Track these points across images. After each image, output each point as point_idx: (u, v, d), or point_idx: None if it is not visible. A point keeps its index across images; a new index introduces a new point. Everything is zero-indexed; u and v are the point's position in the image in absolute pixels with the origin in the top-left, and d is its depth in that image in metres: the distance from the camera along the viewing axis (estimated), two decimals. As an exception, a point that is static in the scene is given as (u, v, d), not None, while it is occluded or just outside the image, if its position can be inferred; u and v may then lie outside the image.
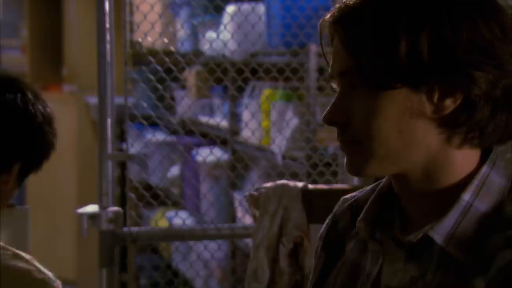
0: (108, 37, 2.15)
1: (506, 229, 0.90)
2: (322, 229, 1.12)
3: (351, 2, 0.92)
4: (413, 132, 0.91)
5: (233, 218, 3.32)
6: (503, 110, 0.92)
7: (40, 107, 1.23)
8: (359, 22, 0.91)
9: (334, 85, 0.96)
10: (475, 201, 0.93)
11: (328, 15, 0.94)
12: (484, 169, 0.94)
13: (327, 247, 1.09)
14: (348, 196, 1.10)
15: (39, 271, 1.18)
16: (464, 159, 0.94)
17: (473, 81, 0.89)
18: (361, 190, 1.08)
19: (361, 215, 1.02)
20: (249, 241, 2.84)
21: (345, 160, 0.96)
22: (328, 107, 0.95)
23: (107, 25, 2.15)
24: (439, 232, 0.93)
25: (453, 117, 0.91)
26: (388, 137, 0.91)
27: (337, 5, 0.94)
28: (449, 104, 0.90)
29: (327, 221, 1.11)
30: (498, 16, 0.92)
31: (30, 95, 1.22)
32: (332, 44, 0.95)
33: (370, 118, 0.91)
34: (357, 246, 1.04)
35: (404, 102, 0.90)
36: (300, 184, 1.90)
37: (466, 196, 0.93)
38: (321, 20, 0.96)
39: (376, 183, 1.04)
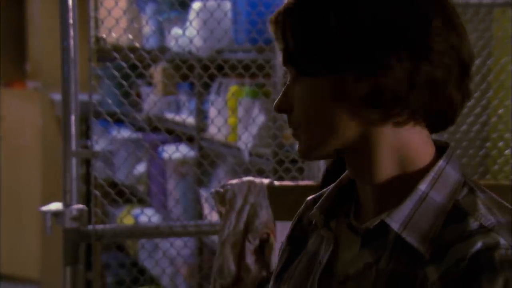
0: (72, 33, 2.13)
1: (461, 221, 0.93)
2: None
3: (286, 3, 1.00)
4: (338, 115, 0.96)
5: (200, 215, 3.31)
6: (422, 90, 0.94)
7: None
8: (286, 19, 0.99)
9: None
10: (431, 191, 0.96)
11: (274, 14, 1.02)
12: (440, 162, 0.97)
13: (292, 241, 1.12)
14: (317, 194, 1.13)
15: None
16: (396, 139, 0.96)
17: (382, 64, 0.93)
18: (329, 187, 1.10)
19: (317, 204, 1.05)
20: (215, 238, 2.83)
21: None
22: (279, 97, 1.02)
23: (71, 21, 2.13)
24: (396, 219, 0.95)
25: (369, 98, 0.94)
26: (316, 122, 0.98)
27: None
28: (362, 86, 0.94)
29: (295, 216, 1.14)
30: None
31: None
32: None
33: (303, 104, 0.98)
34: (318, 238, 1.07)
35: (328, 86, 0.96)
36: (266, 181, 1.90)
37: (422, 186, 0.96)
38: (269, 18, 1.03)
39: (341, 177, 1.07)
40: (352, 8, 0.93)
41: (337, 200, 1.05)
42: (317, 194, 1.11)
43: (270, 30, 1.01)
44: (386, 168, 0.97)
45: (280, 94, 1.01)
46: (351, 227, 1.01)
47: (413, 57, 0.93)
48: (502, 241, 0.89)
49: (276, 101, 1.01)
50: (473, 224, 0.92)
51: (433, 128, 0.99)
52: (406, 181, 0.96)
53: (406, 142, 0.97)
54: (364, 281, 0.97)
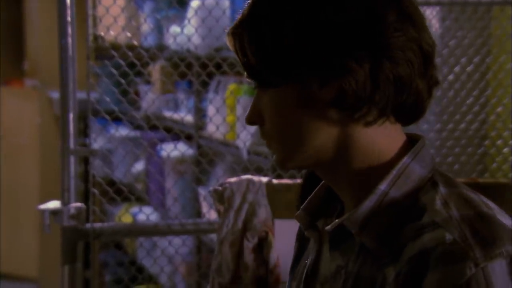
0: (70, 31, 2.12)
1: (418, 219, 0.91)
2: None
3: (240, 16, 0.98)
4: (307, 122, 0.95)
5: (198, 214, 3.31)
6: (387, 86, 0.93)
7: None
8: (243, 31, 0.96)
9: None
10: (391, 190, 0.94)
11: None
12: (405, 159, 0.95)
13: (300, 239, 1.12)
14: None
15: None
16: (368, 139, 0.95)
17: (343, 69, 0.91)
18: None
19: (304, 204, 1.04)
20: (214, 236, 2.83)
21: None
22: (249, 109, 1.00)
23: (69, 19, 2.12)
24: (353, 221, 0.94)
25: (336, 102, 0.93)
26: (286, 132, 0.96)
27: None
28: (327, 91, 0.93)
29: None
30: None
31: None
32: None
33: (271, 116, 0.97)
34: None
35: (294, 95, 0.94)
36: (264, 179, 1.90)
37: (382, 186, 0.94)
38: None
39: None
40: (306, 16, 0.92)
41: (326, 199, 1.04)
42: None
43: (228, 44, 0.99)
44: (357, 168, 0.96)
45: (250, 106, 0.99)
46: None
47: (372, 57, 0.91)
48: (448, 236, 0.87)
49: (246, 114, 1.00)
50: (426, 221, 0.90)
51: (404, 121, 0.98)
52: (372, 179, 0.95)
53: (377, 140, 0.95)
54: (335, 284, 0.97)
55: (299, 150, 0.96)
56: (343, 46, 0.91)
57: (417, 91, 0.94)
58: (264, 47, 0.94)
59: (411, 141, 0.98)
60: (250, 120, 1.00)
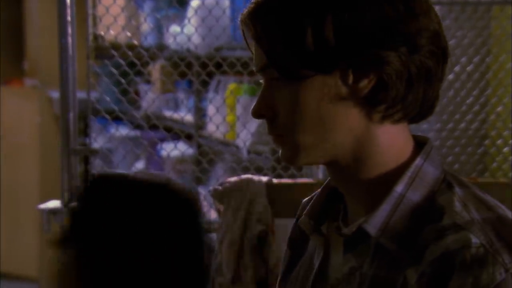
0: (70, 31, 2.13)
1: (438, 220, 0.91)
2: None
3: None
4: (335, 117, 0.92)
5: (198, 213, 3.30)
6: (419, 83, 0.93)
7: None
8: (265, 17, 0.92)
9: (261, 80, 0.97)
10: (408, 192, 0.93)
11: (243, 13, 0.95)
12: (417, 160, 0.95)
13: (292, 244, 1.10)
14: (312, 195, 1.10)
15: None
16: (389, 138, 0.94)
17: (384, 61, 0.90)
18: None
19: (306, 209, 1.03)
20: (214, 236, 2.83)
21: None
22: (256, 101, 0.96)
23: (69, 18, 2.12)
24: (373, 224, 0.93)
25: (371, 96, 0.92)
26: (310, 125, 0.93)
27: (251, 2, 0.95)
28: (364, 85, 0.91)
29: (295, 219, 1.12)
30: None
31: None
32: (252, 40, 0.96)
33: (291, 110, 0.93)
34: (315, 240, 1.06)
35: (321, 88, 0.91)
36: (264, 179, 1.90)
37: (399, 188, 0.93)
38: (239, 18, 0.97)
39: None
40: (348, 7, 0.90)
41: (327, 202, 1.03)
42: (312, 195, 1.08)
43: (245, 29, 0.94)
44: (372, 168, 0.94)
45: (257, 99, 0.95)
46: (339, 230, 0.99)
47: (409, 51, 0.91)
48: (474, 239, 0.87)
49: (254, 107, 0.95)
50: (447, 223, 0.90)
51: (414, 120, 0.97)
52: (386, 181, 0.94)
53: (396, 141, 0.95)
54: (349, 286, 0.96)
55: (318, 145, 0.93)
56: (384, 38, 0.90)
57: (437, 91, 0.95)
58: (299, 36, 0.89)
59: (416, 142, 0.98)
60: (258, 113, 0.95)
